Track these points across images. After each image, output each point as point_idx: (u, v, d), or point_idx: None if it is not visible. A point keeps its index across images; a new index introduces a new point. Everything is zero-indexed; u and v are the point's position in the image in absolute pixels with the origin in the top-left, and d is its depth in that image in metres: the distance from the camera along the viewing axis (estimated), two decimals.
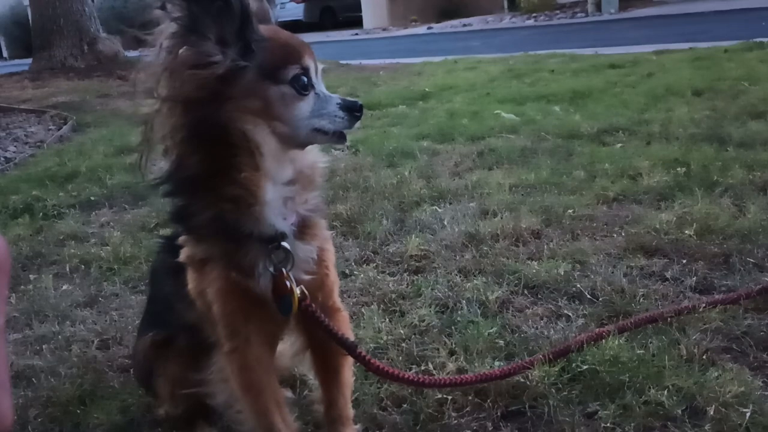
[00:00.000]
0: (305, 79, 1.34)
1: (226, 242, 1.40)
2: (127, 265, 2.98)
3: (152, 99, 1.31)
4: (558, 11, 19.07)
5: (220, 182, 1.32)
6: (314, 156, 1.47)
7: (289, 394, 1.86)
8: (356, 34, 21.71)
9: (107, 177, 4.53)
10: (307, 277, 1.46)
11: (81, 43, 11.00)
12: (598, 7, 17.35)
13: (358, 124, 1.41)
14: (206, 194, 1.35)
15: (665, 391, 1.72)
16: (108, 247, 3.18)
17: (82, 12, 11.02)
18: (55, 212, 3.88)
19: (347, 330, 1.62)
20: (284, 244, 1.39)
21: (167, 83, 1.27)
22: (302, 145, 1.41)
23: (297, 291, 1.43)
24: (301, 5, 25.44)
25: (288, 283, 1.41)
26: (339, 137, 1.41)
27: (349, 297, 2.46)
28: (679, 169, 3.45)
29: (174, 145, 1.31)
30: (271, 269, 1.41)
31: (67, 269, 3.02)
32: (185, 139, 1.30)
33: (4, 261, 0.60)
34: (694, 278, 2.38)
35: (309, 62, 1.36)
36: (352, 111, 1.39)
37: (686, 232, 2.70)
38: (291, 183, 1.39)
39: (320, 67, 1.40)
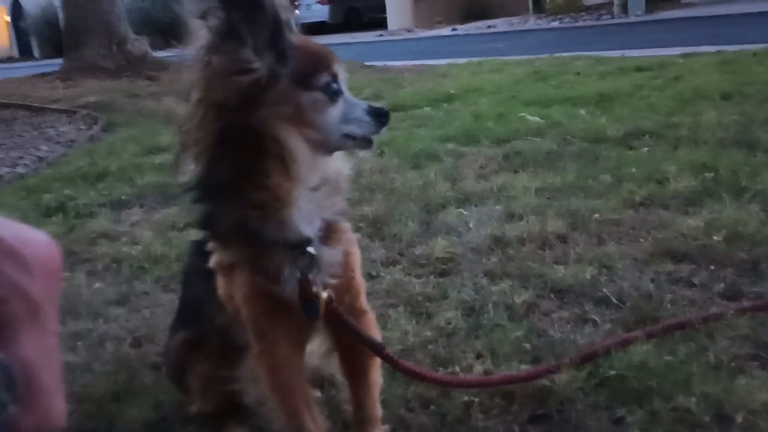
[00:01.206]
0: (335, 85, 1.38)
1: (251, 248, 1.43)
2: (157, 264, 3.03)
3: (186, 103, 1.35)
4: (584, 13, 18.94)
5: (248, 188, 1.34)
6: (339, 162, 1.51)
7: (317, 393, 1.89)
8: (381, 35, 21.74)
9: (137, 176, 4.60)
10: (333, 282, 1.49)
11: (110, 44, 11.16)
12: (624, 9, 17.19)
13: (384, 130, 1.45)
14: (233, 200, 1.37)
15: (693, 398, 1.72)
16: (139, 246, 3.24)
17: (111, 13, 11.18)
18: (87, 211, 3.95)
19: (374, 332, 1.65)
20: (310, 249, 1.42)
21: (202, 88, 1.30)
22: (331, 151, 1.44)
23: (323, 296, 1.46)
24: (326, 6, 25.54)
25: (315, 288, 1.44)
26: (367, 143, 1.45)
27: (375, 299, 2.47)
28: (707, 174, 3.42)
29: (205, 150, 1.35)
30: (297, 275, 1.43)
31: (99, 267, 3.08)
32: (216, 144, 1.33)
33: (58, 267, 0.64)
34: (723, 284, 2.36)
35: (338, 69, 1.39)
36: (380, 116, 1.44)
37: (714, 237, 2.69)
38: (318, 189, 1.42)
39: (345, 74, 1.43)
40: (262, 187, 1.33)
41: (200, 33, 1.29)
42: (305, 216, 1.40)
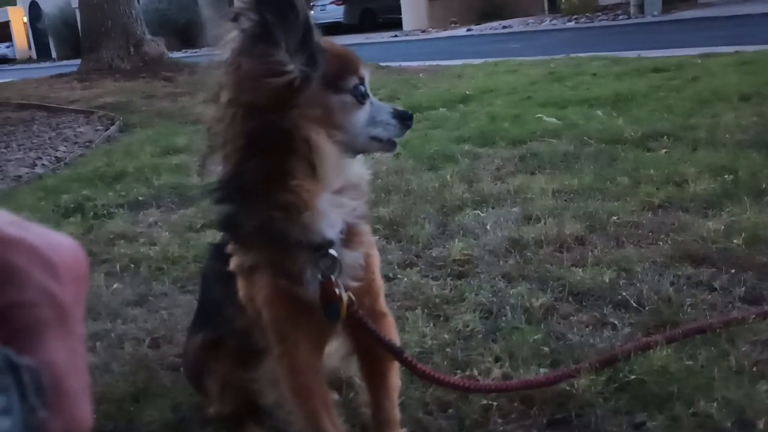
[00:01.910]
0: (363, 88, 1.39)
1: (273, 250, 1.44)
2: (175, 264, 3.04)
3: (216, 105, 1.35)
4: (599, 13, 18.86)
5: (274, 189, 1.35)
6: (361, 165, 1.51)
7: (336, 396, 1.89)
8: (395, 36, 21.74)
9: (154, 177, 4.63)
10: (354, 284, 1.49)
11: (127, 45, 11.25)
12: (641, 9, 17.08)
13: (407, 133, 1.48)
14: (258, 201, 1.38)
15: (714, 403, 1.70)
16: (156, 247, 3.26)
17: (128, 14, 11.27)
18: (105, 212, 3.98)
19: (394, 335, 1.64)
20: (331, 251, 1.42)
21: (233, 90, 1.31)
22: (357, 153, 1.46)
23: (345, 298, 1.46)
24: (342, 7, 25.60)
25: (337, 290, 1.44)
26: (391, 145, 1.48)
27: (393, 301, 2.47)
28: (726, 176, 3.39)
29: (233, 152, 1.35)
30: (320, 276, 1.44)
31: (118, 268, 3.10)
32: (245, 146, 1.33)
33: (85, 272, 0.64)
34: (743, 288, 2.34)
35: (364, 72, 1.40)
36: (404, 119, 1.47)
37: (734, 241, 2.66)
38: (341, 191, 1.43)
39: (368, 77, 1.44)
40: (289, 188, 1.34)
41: (230, 36, 1.29)
42: (329, 218, 1.40)
